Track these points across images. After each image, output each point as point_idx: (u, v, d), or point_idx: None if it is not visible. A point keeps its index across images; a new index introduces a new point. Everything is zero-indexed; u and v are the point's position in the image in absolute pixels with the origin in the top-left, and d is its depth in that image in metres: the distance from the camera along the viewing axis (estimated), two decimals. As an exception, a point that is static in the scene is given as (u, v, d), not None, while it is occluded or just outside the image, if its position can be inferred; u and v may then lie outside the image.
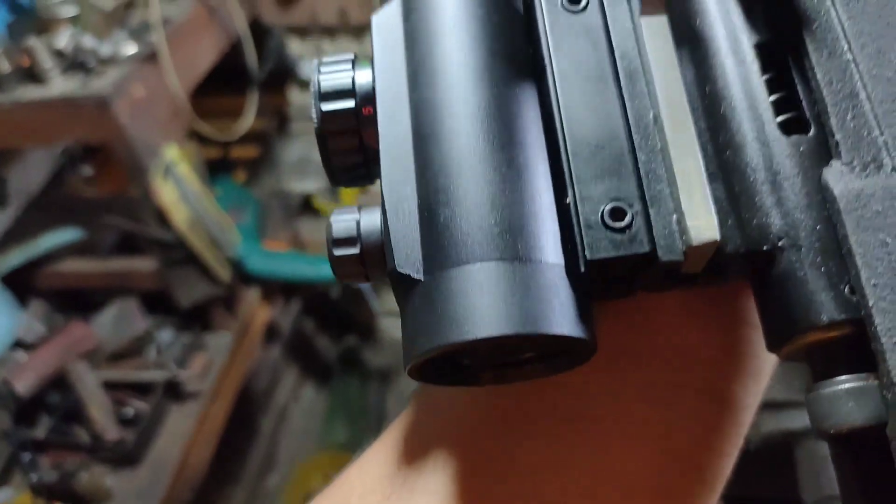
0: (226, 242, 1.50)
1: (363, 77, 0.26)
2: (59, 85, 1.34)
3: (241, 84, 1.75)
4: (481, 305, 0.20)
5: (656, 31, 0.24)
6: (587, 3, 0.25)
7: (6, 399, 1.42)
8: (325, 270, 1.66)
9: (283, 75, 1.83)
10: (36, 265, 1.59)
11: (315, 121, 0.25)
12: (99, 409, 1.42)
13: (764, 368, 0.29)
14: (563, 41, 0.25)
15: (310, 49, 1.81)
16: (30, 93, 1.33)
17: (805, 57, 0.23)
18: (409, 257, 0.22)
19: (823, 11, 0.22)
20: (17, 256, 1.54)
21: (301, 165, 1.90)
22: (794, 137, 0.22)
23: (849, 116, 0.21)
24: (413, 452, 0.28)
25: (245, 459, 1.79)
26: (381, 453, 0.30)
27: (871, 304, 0.18)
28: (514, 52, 0.25)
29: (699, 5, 0.24)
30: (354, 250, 0.23)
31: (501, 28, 0.25)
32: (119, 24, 1.43)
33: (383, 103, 0.25)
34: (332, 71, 0.26)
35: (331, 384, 2.08)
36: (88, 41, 1.37)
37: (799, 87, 0.23)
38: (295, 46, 1.82)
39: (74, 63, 1.35)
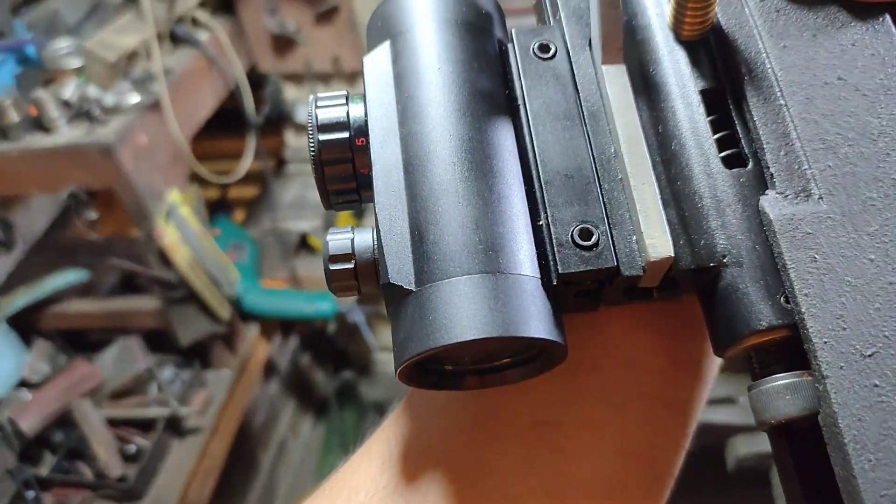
0: (225, 281, 1.54)
1: (356, 111, 0.28)
2: (66, 133, 1.38)
3: (239, 127, 1.80)
4: (467, 312, 0.22)
5: (616, 78, 0.27)
6: (555, 52, 0.28)
7: (11, 437, 1.44)
8: (322, 307, 1.70)
9: (279, 119, 1.88)
10: (40, 306, 1.62)
11: (312, 150, 0.28)
12: (103, 445, 1.45)
13: (706, 374, 0.31)
14: (535, 84, 0.27)
15: (305, 94, 1.87)
16: (38, 141, 1.38)
17: (744, 101, 0.25)
18: (401, 271, 0.24)
19: (759, 63, 0.25)
20: (22, 298, 1.57)
21: (297, 205, 1.95)
22: (735, 170, 0.25)
23: (782, 153, 0.24)
24: (396, 455, 0.30)
25: (245, 494, 1.80)
26: (366, 456, 0.32)
27: (803, 310, 0.21)
28: (492, 92, 0.27)
29: (654, 56, 0.27)
30: (349, 265, 0.25)
31: (481, 71, 0.27)
32: (122, 75, 1.48)
33: (375, 135, 0.27)
34: (328, 105, 0.28)
35: (328, 418, 2.10)
36: (93, 91, 1.42)
37: (738, 128, 0.25)
38: (290, 92, 1.88)
39: (80, 112, 1.40)
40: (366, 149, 0.27)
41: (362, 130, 0.27)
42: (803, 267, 0.21)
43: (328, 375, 2.14)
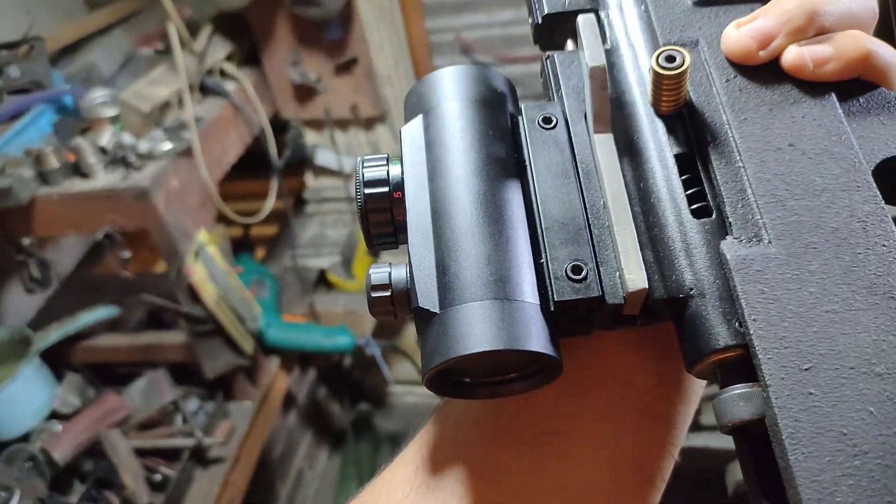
0: (249, 316, 1.61)
1: (394, 171, 0.33)
2: (103, 178, 1.47)
3: (262, 169, 1.89)
4: (480, 329, 0.27)
5: (604, 144, 0.31)
6: (556, 123, 0.33)
7: (43, 466, 1.49)
8: (340, 340, 1.77)
9: (300, 162, 1.98)
10: (71, 341, 1.69)
11: (359, 201, 0.33)
12: (131, 474, 1.50)
13: (691, 393, 0.36)
14: (538, 149, 0.33)
15: (324, 139, 1.97)
16: (76, 185, 1.46)
17: (710, 164, 0.29)
18: (428, 297, 0.29)
19: (723, 133, 0.30)
20: (55, 333, 1.62)
21: (316, 243, 2.03)
22: (702, 220, 0.29)
23: (739, 206, 0.28)
24: (429, 459, 0.35)
25: (264, 523, 1.84)
26: (402, 462, 0.36)
27: (752, 332, 0.24)
28: (504, 156, 0.32)
29: (637, 126, 0.32)
30: (387, 293, 0.30)
31: (495, 139, 0.32)
32: (155, 124, 1.58)
33: (410, 189, 0.32)
34: (372, 166, 0.33)
35: (343, 450, 2.15)
36: (128, 139, 1.51)
37: (706, 185, 0.30)
38: (311, 137, 1.97)
39: (116, 158, 1.49)
40: (402, 201, 0.32)
41: (399, 185, 0.33)
42: (753, 297, 0.25)
43: (344, 408, 2.19)
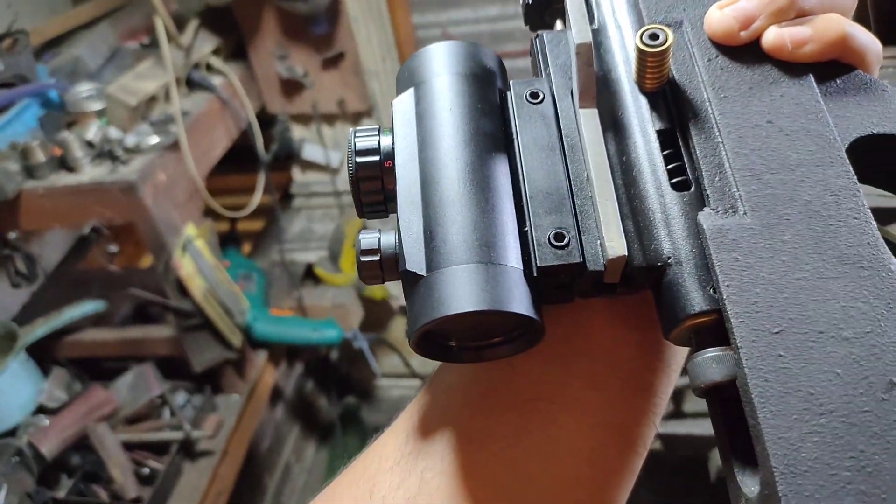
0: (237, 310, 1.62)
1: (385, 141, 0.34)
2: (90, 172, 1.47)
3: (249, 163, 1.90)
4: (464, 291, 0.27)
5: (589, 119, 0.32)
6: (543, 98, 0.34)
7: (30, 461, 1.49)
8: (328, 334, 1.78)
9: (287, 157, 1.98)
10: (57, 335, 1.69)
11: (351, 170, 0.33)
12: (119, 468, 1.51)
13: (672, 363, 0.37)
14: (525, 123, 0.33)
15: (311, 134, 1.97)
16: (62, 179, 1.46)
17: (690, 139, 0.30)
18: (415, 261, 0.29)
19: (704, 110, 0.30)
20: (41, 328, 1.62)
21: (303, 237, 2.03)
22: (682, 193, 0.29)
23: (717, 179, 0.29)
24: (418, 426, 0.36)
25: (252, 516, 1.85)
26: (393, 431, 0.37)
27: (725, 297, 0.25)
28: (492, 129, 0.33)
29: (621, 103, 0.32)
30: (376, 258, 0.31)
31: (483, 113, 0.33)
32: (142, 118, 1.58)
33: (400, 159, 0.33)
34: (364, 136, 0.34)
35: (331, 443, 2.16)
36: (114, 133, 1.51)
37: (686, 159, 0.30)
38: (298, 131, 1.97)
39: (102, 152, 1.49)
40: (392, 170, 0.33)
41: (390, 155, 0.33)
42: (727, 265, 0.26)
43: (331, 401, 2.20)
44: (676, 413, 1.31)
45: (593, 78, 0.32)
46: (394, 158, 0.33)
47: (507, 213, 0.30)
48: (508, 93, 0.35)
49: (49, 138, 1.51)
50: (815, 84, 0.30)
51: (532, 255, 0.30)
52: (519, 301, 0.28)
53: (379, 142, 0.34)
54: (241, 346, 1.66)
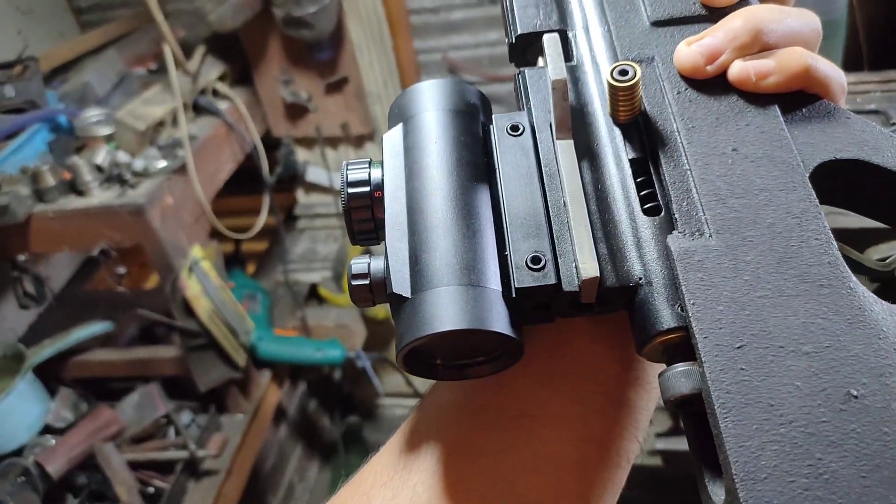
0: (242, 330, 1.64)
1: (375, 173, 0.36)
2: (99, 196, 1.50)
3: (253, 185, 1.93)
4: (446, 311, 0.29)
5: (566, 149, 0.34)
6: (523, 130, 0.36)
7: (37, 481, 1.49)
8: (331, 353, 1.80)
9: (291, 179, 2.01)
10: (63, 356, 1.70)
11: (343, 200, 0.35)
12: (124, 487, 1.52)
13: (652, 380, 0.38)
14: (506, 153, 0.35)
15: (315, 157, 2.00)
16: (72, 203, 1.49)
17: (660, 167, 0.32)
18: (401, 284, 0.31)
19: (673, 139, 0.32)
20: (48, 348, 1.63)
21: (307, 258, 2.06)
22: (652, 217, 0.31)
23: (684, 204, 0.30)
24: (411, 443, 0.37)
25: (256, 535, 1.85)
26: (388, 448, 0.39)
27: (691, 315, 0.26)
28: (475, 160, 0.35)
29: (596, 133, 0.35)
30: (366, 282, 0.33)
31: (466, 145, 0.35)
32: (150, 142, 1.61)
33: (388, 189, 0.35)
34: (355, 168, 0.36)
35: (333, 462, 2.17)
36: (123, 157, 1.54)
37: (657, 187, 0.32)
38: (302, 154, 2.01)
39: (111, 176, 1.52)
40: (382, 200, 0.35)
41: (379, 186, 0.35)
42: (693, 284, 0.27)
43: (334, 420, 2.21)
44: (677, 430, 1.33)
45: (568, 111, 0.34)
46: (383, 189, 0.35)
47: (488, 239, 0.32)
48: (491, 126, 0.37)
49: (59, 163, 1.54)
50: (779, 113, 0.32)
51: (511, 277, 0.31)
52: (498, 320, 0.29)
53: (369, 174, 0.36)
54: (245, 365, 1.68)
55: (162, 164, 1.54)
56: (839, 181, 0.32)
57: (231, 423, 1.73)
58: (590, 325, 0.37)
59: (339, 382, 2.15)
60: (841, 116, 0.33)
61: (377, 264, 0.33)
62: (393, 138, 0.37)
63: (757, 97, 0.33)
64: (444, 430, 0.37)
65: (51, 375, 1.70)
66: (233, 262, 2.02)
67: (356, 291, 0.33)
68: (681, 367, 0.27)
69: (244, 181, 1.90)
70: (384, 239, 0.34)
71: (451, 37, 1.90)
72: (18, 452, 1.55)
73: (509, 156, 0.35)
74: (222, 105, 1.77)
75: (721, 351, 0.25)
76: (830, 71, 0.33)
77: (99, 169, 1.52)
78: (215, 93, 1.79)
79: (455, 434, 0.37)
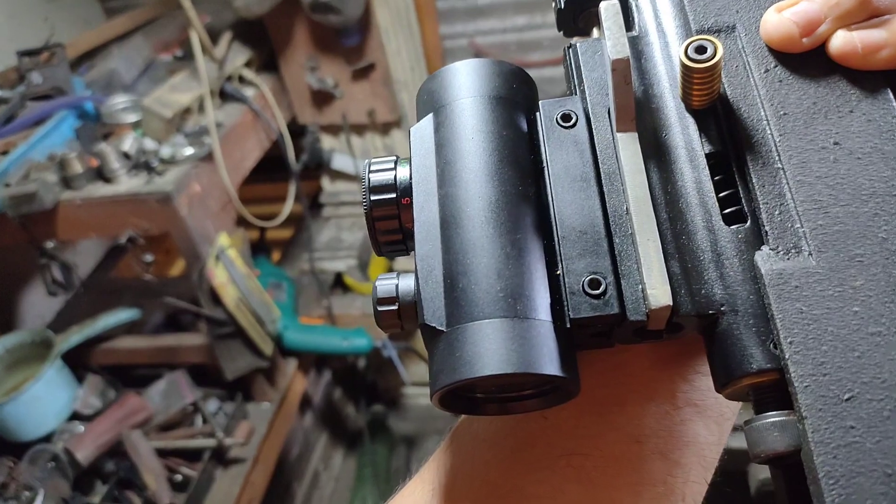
0: (268, 319, 1.63)
1: (402, 173, 0.31)
2: (126, 183, 1.49)
3: (278, 173, 1.92)
4: (488, 351, 0.25)
5: (628, 144, 0.29)
6: (576, 121, 0.31)
7: (66, 467, 1.51)
8: (357, 342, 1.79)
9: (317, 167, 2.00)
10: (90, 343, 1.71)
11: (366, 208, 0.31)
12: (152, 475, 1.52)
13: (725, 412, 0.33)
14: (556, 150, 0.30)
15: (341, 144, 1.99)
16: (100, 190, 1.49)
17: (745, 164, 0.27)
18: (435, 313, 0.27)
19: (760, 130, 0.27)
20: (76, 336, 1.65)
21: (332, 246, 2.05)
22: (735, 227, 0.26)
23: (776, 212, 0.25)
24: (446, 483, 0.33)
25: (282, 523, 1.86)
26: (419, 483, 0.35)
27: (787, 356, 0.22)
28: (519, 158, 0.30)
29: (665, 122, 0.29)
30: (393, 307, 0.29)
31: (509, 140, 0.30)
32: (177, 129, 1.60)
33: (418, 196, 0.30)
34: (379, 170, 0.31)
35: (359, 451, 2.16)
36: (150, 144, 1.54)
37: (740, 188, 0.27)
38: (328, 142, 1.99)
39: (138, 164, 1.51)
40: (410, 207, 0.30)
41: (407, 191, 0.30)
42: (790, 317, 0.23)
43: (359, 409, 2.21)
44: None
45: (632, 97, 0.28)
46: (412, 194, 0.30)
47: (536, 258, 0.28)
48: (538, 114, 0.32)
49: (86, 150, 1.55)
50: (892, 97, 0.27)
51: (565, 304, 0.27)
52: (549, 360, 0.25)
53: (395, 176, 0.31)
54: (272, 354, 1.67)
55: (189, 151, 1.54)
56: None
57: (257, 411, 1.73)
58: (649, 346, 0.32)
59: (364, 371, 2.15)
60: None
61: (406, 285, 0.29)
62: (423, 132, 0.32)
63: (864, 77, 0.27)
64: (481, 470, 0.33)
65: (78, 362, 1.71)
66: (258, 250, 2.02)
67: (383, 318, 0.29)
68: (774, 417, 0.23)
69: (270, 169, 1.89)
70: (413, 249, 0.30)
71: (478, 22, 1.87)
72: (48, 439, 1.57)
73: (560, 152, 0.30)
74: (248, 92, 1.76)
75: (826, 404, 0.21)
76: None
77: (126, 156, 1.52)
78: (241, 79, 1.78)
79: (494, 474, 0.32)
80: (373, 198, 0.31)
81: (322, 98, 1.90)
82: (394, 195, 0.31)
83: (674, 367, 0.32)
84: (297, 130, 1.94)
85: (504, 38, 1.88)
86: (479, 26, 1.88)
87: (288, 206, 1.84)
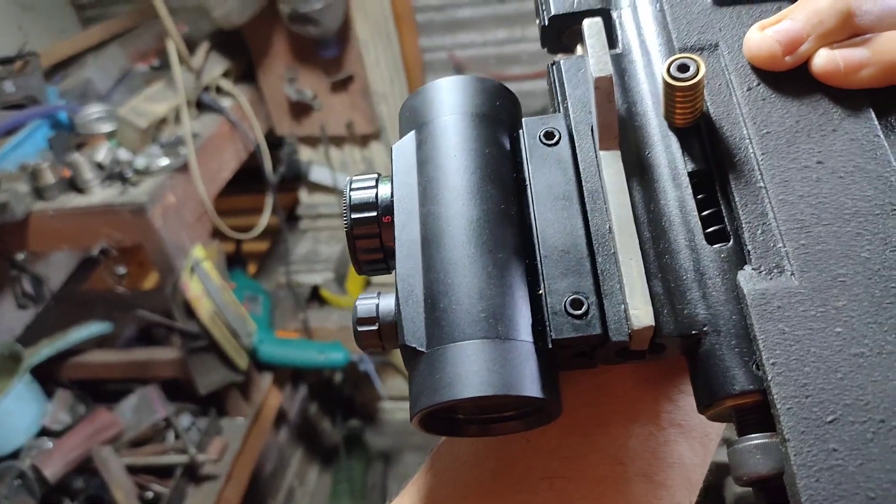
0: (243, 332, 1.61)
1: (384, 191, 0.31)
2: (99, 194, 1.47)
3: (255, 184, 1.90)
4: (468, 373, 0.25)
5: (611, 162, 0.29)
6: (559, 138, 0.30)
7: (33, 484, 1.47)
8: (334, 356, 1.77)
9: (294, 178, 1.98)
10: (61, 357, 1.67)
11: (346, 226, 0.31)
12: (123, 492, 1.49)
13: (710, 433, 0.32)
14: (539, 168, 0.30)
15: (319, 156, 1.98)
16: (72, 201, 1.46)
17: (728, 184, 0.27)
18: (415, 334, 0.27)
19: (743, 148, 0.27)
20: (46, 349, 1.61)
21: (309, 259, 2.03)
22: (718, 246, 0.26)
23: (759, 231, 0.25)
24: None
25: (256, 541, 1.83)
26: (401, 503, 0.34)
27: (770, 378, 0.22)
28: (501, 176, 0.30)
29: (648, 141, 0.29)
30: (374, 327, 0.28)
31: (491, 158, 0.30)
32: (152, 140, 1.58)
33: (399, 214, 0.30)
34: (360, 188, 0.31)
35: (335, 466, 2.14)
36: (124, 154, 1.52)
37: (723, 207, 0.27)
38: (305, 153, 1.98)
39: (112, 174, 1.49)
40: (391, 225, 0.30)
41: (389, 209, 0.30)
42: (772, 338, 0.22)
43: (335, 424, 2.19)
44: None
45: (615, 115, 0.28)
46: (393, 213, 0.30)
47: (517, 277, 0.28)
48: (521, 131, 0.32)
49: (59, 160, 1.52)
50: (874, 115, 0.27)
51: (546, 325, 0.27)
52: (530, 382, 0.25)
53: (377, 194, 0.31)
54: (247, 368, 1.65)
55: (164, 162, 1.52)
56: None
57: (231, 426, 1.71)
58: (633, 366, 0.32)
59: (340, 385, 2.13)
60: None
61: (387, 304, 0.29)
62: (404, 149, 0.31)
63: (847, 95, 0.27)
64: (462, 490, 0.32)
65: (48, 377, 1.67)
66: (234, 263, 1.99)
67: (363, 338, 0.29)
68: (757, 439, 0.23)
69: (247, 180, 1.88)
70: (395, 268, 0.29)
71: (457, 35, 1.88)
72: (15, 455, 1.53)
73: (543, 171, 0.30)
74: (226, 102, 1.74)
75: (808, 426, 0.21)
76: None
77: (100, 166, 1.50)
78: (219, 90, 1.77)
79: (474, 497, 0.32)
80: (353, 216, 0.31)
81: (300, 109, 1.89)
82: (375, 213, 0.30)
83: (658, 386, 0.32)
84: (274, 142, 1.93)
85: (484, 51, 1.89)
86: (458, 39, 1.89)
87: (265, 219, 1.83)
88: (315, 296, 2.02)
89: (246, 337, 1.62)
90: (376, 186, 0.31)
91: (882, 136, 0.26)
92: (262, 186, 1.86)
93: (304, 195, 2.08)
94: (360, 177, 0.32)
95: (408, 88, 1.86)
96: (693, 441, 0.32)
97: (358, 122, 1.87)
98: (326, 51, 1.75)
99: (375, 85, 1.84)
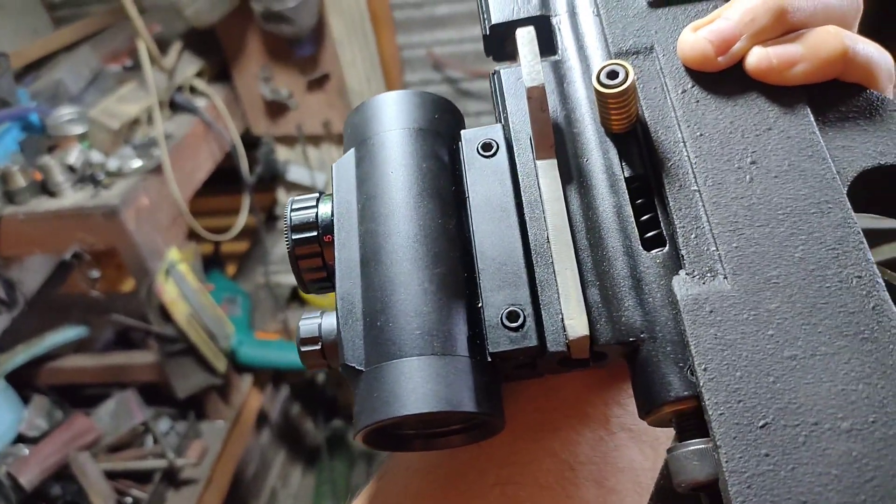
0: (221, 335, 1.60)
1: (325, 210, 0.31)
2: (71, 197, 1.45)
3: (232, 185, 1.88)
4: (405, 390, 0.25)
5: (547, 171, 0.29)
6: (496, 150, 0.30)
7: (9, 492, 1.46)
8: (314, 357, 1.75)
9: (272, 178, 1.97)
10: (37, 362, 1.65)
11: (288, 247, 0.31)
12: (101, 498, 1.47)
13: (660, 436, 0.32)
14: (476, 180, 0.30)
15: (296, 155, 1.96)
16: (43, 204, 1.44)
17: (663, 187, 0.26)
18: (354, 353, 0.27)
19: (677, 152, 0.27)
20: (21, 355, 1.59)
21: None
22: (654, 252, 0.26)
23: (692, 236, 0.25)
24: None
25: (238, 545, 1.81)
26: None
27: (702, 384, 0.22)
28: (440, 190, 0.29)
29: (585, 148, 0.29)
30: (316, 347, 0.29)
31: (429, 172, 0.30)
32: (125, 141, 1.56)
33: (339, 233, 0.30)
34: (300, 208, 0.31)
35: (318, 467, 2.13)
36: (96, 157, 1.49)
37: (659, 211, 0.27)
38: (282, 153, 1.97)
39: (84, 177, 1.47)
40: (332, 244, 0.30)
41: (329, 228, 0.30)
42: (704, 343, 0.22)
43: (318, 425, 2.18)
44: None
45: (549, 124, 0.28)
46: (333, 232, 0.30)
47: (455, 292, 0.27)
48: (461, 143, 0.31)
49: (30, 163, 1.50)
50: (809, 112, 0.26)
51: (485, 338, 0.27)
52: (467, 397, 0.25)
53: (317, 214, 0.31)
54: (225, 371, 1.64)
55: (137, 163, 1.50)
56: (882, 189, 0.26)
57: (211, 429, 1.69)
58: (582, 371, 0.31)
59: (323, 386, 2.11)
60: (887, 110, 0.27)
61: (329, 324, 0.29)
62: (345, 166, 0.31)
63: (782, 92, 0.27)
64: (413, 498, 0.32)
65: (24, 382, 1.65)
66: (212, 264, 1.98)
67: (307, 357, 0.29)
68: (694, 445, 0.22)
69: (223, 181, 1.86)
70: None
71: (435, 32, 1.87)
72: (-10, 463, 1.50)
73: (481, 183, 0.30)
74: (200, 102, 1.72)
75: (740, 432, 0.21)
76: (874, 53, 0.27)
77: (71, 169, 1.49)
78: (193, 90, 1.75)
79: None
80: (294, 236, 0.31)
81: (276, 109, 1.87)
82: (316, 233, 0.30)
83: (607, 390, 0.32)
84: (251, 142, 1.91)
85: (462, 48, 1.88)
86: (436, 36, 1.88)
87: (242, 219, 1.81)
88: (295, 296, 2.00)
89: (224, 339, 1.60)
90: (317, 206, 0.31)
91: (818, 132, 0.26)
92: (240, 187, 1.85)
93: (282, 195, 2.06)
94: (301, 197, 0.32)
95: (385, 86, 1.85)
96: (643, 445, 0.32)
97: (335, 120, 1.86)
98: (301, 49, 1.74)
99: (352, 83, 1.83)
